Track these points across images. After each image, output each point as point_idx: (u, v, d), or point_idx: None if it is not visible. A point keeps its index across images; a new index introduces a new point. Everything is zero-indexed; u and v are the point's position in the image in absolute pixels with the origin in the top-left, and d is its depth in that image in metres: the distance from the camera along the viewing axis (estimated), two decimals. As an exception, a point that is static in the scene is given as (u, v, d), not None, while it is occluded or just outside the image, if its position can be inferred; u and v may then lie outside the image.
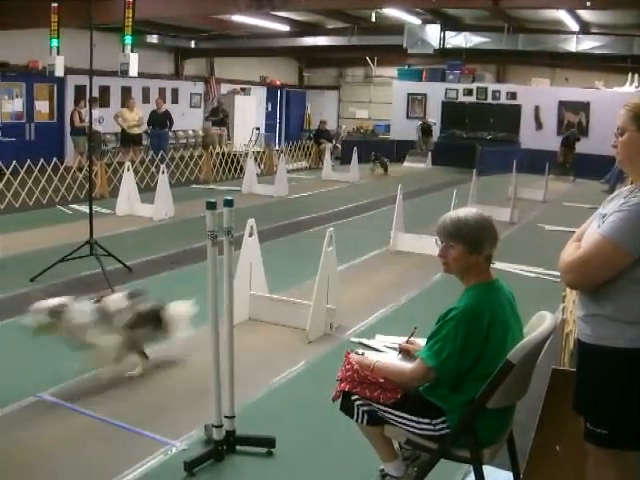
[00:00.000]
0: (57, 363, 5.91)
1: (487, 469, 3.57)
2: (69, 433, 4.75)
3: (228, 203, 4.35)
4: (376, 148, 23.66)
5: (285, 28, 22.49)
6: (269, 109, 30.62)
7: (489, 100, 24.98)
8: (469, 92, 25.29)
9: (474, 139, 23.90)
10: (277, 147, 24.99)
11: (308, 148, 23.18)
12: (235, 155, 19.75)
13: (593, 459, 3.17)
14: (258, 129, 26.44)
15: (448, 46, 22.42)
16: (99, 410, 5.00)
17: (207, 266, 4.30)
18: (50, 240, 10.26)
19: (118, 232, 11.09)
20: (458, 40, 22.46)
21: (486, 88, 25.12)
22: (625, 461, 3.12)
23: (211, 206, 4.22)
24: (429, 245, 9.91)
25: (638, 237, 2.94)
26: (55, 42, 9.84)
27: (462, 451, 3.44)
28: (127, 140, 18.93)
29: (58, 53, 9.88)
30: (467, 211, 3.54)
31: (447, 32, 22.15)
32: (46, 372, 5.71)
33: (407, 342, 3.85)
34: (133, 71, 9.18)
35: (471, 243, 3.45)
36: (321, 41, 24.14)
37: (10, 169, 13.60)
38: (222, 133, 22.63)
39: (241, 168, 18.26)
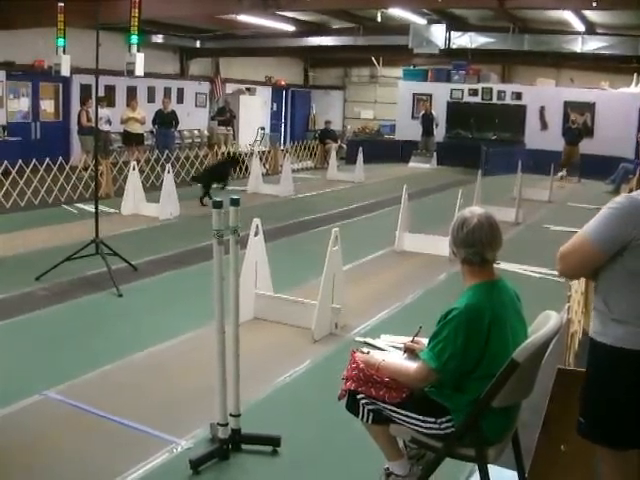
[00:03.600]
0: (62, 361, 5.95)
1: (492, 468, 3.57)
2: (74, 431, 4.76)
3: (234, 202, 4.36)
4: (382, 148, 23.71)
5: (290, 28, 22.48)
6: (274, 109, 30.59)
7: (494, 100, 24.91)
8: (474, 92, 25.23)
9: (479, 139, 23.84)
10: (282, 147, 24.97)
11: (313, 148, 23.18)
12: (240, 155, 19.76)
13: (598, 455, 3.24)
14: (263, 129, 26.45)
15: (453, 46, 22.33)
16: (104, 408, 5.01)
17: (213, 265, 4.31)
18: (55, 239, 10.29)
19: (123, 231, 11.12)
20: (463, 40, 22.40)
21: (491, 88, 25.05)
22: (626, 460, 3.14)
23: (217, 205, 4.22)
24: (434, 245, 10.02)
25: (607, 235, 3.07)
26: (61, 42, 9.85)
27: (467, 450, 3.44)
28: (129, 139, 18.99)
29: (64, 52, 9.89)
30: (462, 211, 3.56)
31: (452, 32, 22.08)
32: (51, 370, 5.72)
33: (412, 341, 3.85)
34: (139, 71, 9.17)
35: (449, 243, 3.54)
36: (326, 41, 24.09)
37: (16, 168, 13.63)
38: (228, 133, 22.66)
39: (246, 168, 18.27)
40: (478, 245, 3.40)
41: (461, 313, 3.32)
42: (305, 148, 22.97)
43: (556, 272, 3.29)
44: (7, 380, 5.51)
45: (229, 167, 15.44)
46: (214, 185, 14.16)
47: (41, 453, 4.44)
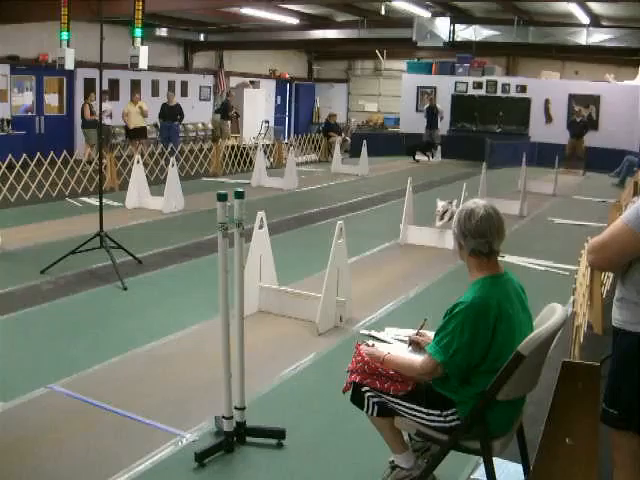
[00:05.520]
0: (68, 354, 5.95)
1: (497, 461, 3.58)
2: (79, 424, 4.76)
3: (239, 195, 4.35)
4: (386, 141, 23.73)
5: (294, 21, 22.45)
6: (278, 102, 30.60)
7: (499, 93, 24.86)
8: (479, 85, 25.17)
9: (484, 132, 23.82)
10: (286, 140, 24.96)
11: (317, 141, 23.15)
12: (244, 148, 19.76)
13: (612, 443, 3.31)
14: (267, 122, 26.44)
15: (458, 39, 22.30)
16: (109, 401, 5.02)
17: (218, 258, 4.31)
18: (60, 232, 10.30)
19: (128, 225, 11.14)
20: (468, 33, 22.35)
21: (496, 81, 24.99)
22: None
23: (222, 198, 4.22)
24: (439, 238, 10.02)
25: None
26: (65, 35, 9.83)
27: (472, 443, 3.45)
28: (132, 133, 18.99)
29: (68, 46, 9.88)
30: (466, 203, 3.55)
31: (457, 25, 22.04)
32: (57, 363, 5.73)
33: (417, 334, 3.86)
34: (143, 64, 9.18)
35: (453, 236, 3.53)
36: (330, 34, 24.06)
37: (20, 162, 13.64)
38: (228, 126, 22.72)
39: (250, 161, 18.26)
40: (488, 235, 3.40)
41: (467, 307, 3.31)
42: (309, 141, 22.95)
43: (588, 263, 3.35)
44: (13, 373, 5.52)
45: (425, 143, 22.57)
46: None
47: (47, 446, 4.45)
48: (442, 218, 10.22)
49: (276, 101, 30.37)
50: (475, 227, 3.40)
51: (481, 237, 3.40)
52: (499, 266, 3.49)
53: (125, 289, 7.77)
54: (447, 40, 21.80)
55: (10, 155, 13.79)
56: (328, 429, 4.79)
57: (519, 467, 3.86)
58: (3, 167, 13.57)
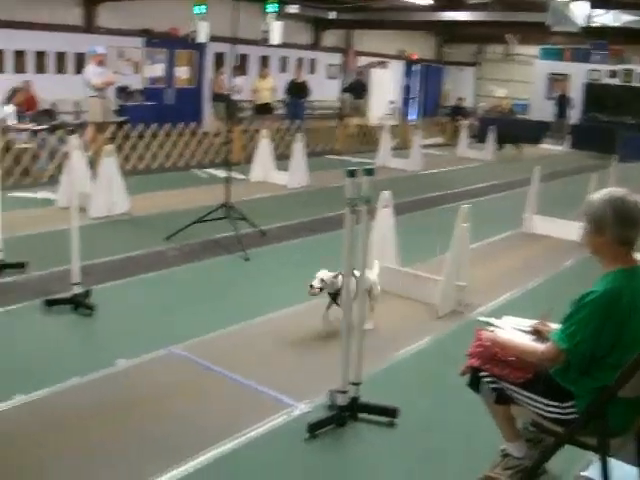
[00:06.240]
0: (188, 319, 6.13)
1: (612, 461, 3.47)
2: (196, 387, 4.92)
3: (368, 172, 4.35)
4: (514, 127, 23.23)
5: (427, 2, 22.18)
6: (406, 83, 30.39)
7: (635, 83, 23.95)
8: (613, 74, 24.32)
9: (616, 123, 23.02)
10: (413, 122, 24.79)
11: (444, 124, 22.90)
12: (370, 128, 19.74)
13: None
14: (394, 103, 26.31)
15: (594, 24, 21.51)
16: (225, 367, 5.16)
17: (344, 234, 4.32)
18: (185, 202, 10.58)
19: (252, 198, 11.28)
20: (606, 18, 21.48)
21: (632, 70, 24.08)
22: None
23: (351, 174, 4.23)
24: (564, 229, 9.76)
25: None
26: (201, 9, 10.03)
27: (589, 438, 3.35)
28: (259, 108, 19.20)
29: (203, 20, 10.06)
30: (600, 192, 3.40)
31: (595, 9, 21.25)
32: (177, 327, 5.92)
33: (540, 323, 3.78)
34: (275, 39, 9.30)
35: (593, 224, 3.34)
36: (461, 16, 23.67)
37: (150, 131, 14.01)
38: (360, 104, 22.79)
39: (375, 141, 18.25)
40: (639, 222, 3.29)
41: (599, 297, 3.21)
42: (436, 124, 22.73)
43: None
44: (135, 333, 5.73)
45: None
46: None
47: (162, 404, 4.62)
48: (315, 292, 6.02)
49: (403, 82, 30.17)
50: (631, 214, 3.27)
51: (633, 225, 3.28)
52: (635, 259, 3.37)
53: (247, 260, 7.91)
54: (583, 25, 21.06)
55: (141, 124, 14.18)
56: (441, 411, 4.78)
57: (635, 470, 3.73)
58: (135, 136, 13.97)
